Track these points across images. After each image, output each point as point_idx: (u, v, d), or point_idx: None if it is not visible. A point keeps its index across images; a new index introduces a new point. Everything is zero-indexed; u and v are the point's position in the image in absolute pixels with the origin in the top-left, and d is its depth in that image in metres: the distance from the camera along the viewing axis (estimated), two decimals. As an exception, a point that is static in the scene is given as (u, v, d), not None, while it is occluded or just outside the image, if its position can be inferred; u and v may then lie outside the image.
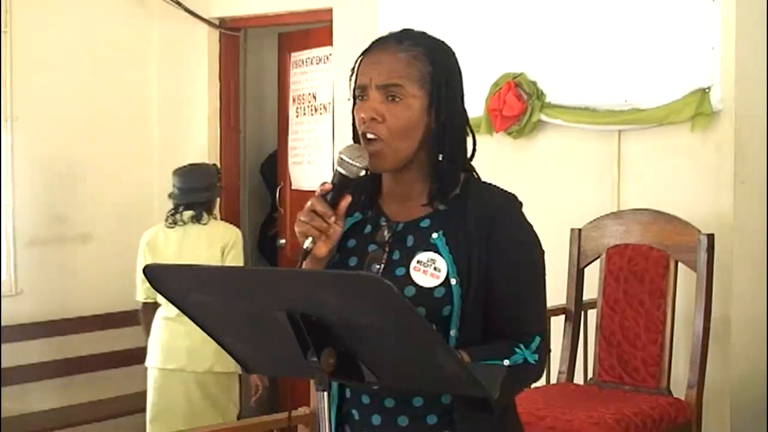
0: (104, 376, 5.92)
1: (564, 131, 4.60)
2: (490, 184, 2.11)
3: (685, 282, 4.01)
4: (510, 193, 2.08)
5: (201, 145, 6.17)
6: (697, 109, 4.16)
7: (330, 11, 5.50)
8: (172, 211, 4.82)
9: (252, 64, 6.85)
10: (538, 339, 2.00)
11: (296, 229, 2.00)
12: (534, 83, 4.61)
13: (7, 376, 5.40)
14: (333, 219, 1.99)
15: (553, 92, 4.59)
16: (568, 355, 4.24)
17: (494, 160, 4.79)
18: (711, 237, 3.87)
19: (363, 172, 2.04)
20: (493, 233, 2.00)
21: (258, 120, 6.93)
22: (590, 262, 4.23)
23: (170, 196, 4.89)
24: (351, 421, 2.09)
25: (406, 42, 2.05)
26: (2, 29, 5.51)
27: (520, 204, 2.08)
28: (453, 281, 1.97)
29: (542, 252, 2.07)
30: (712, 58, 4.16)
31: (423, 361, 1.75)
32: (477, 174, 2.13)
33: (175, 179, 4.88)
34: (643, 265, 4.03)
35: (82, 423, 5.56)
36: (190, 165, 5.01)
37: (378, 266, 2.05)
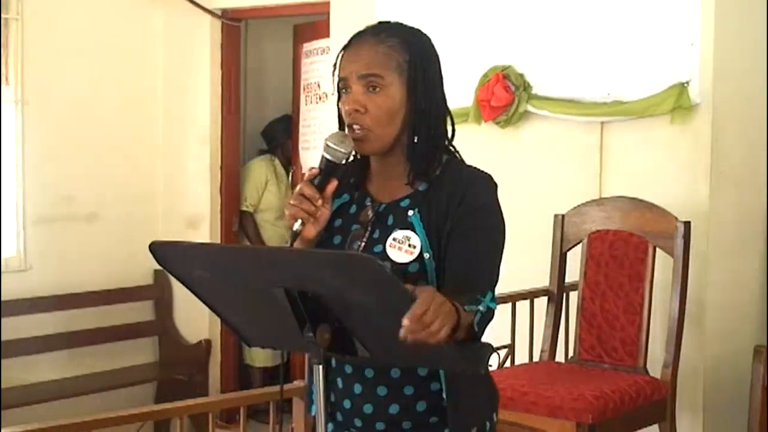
0: (109, 348, 5.97)
1: (549, 122, 4.64)
2: (470, 165, 2.16)
3: (663, 267, 4.04)
4: (485, 172, 2.13)
5: (203, 129, 6.22)
6: (677, 102, 4.20)
7: (328, 3, 5.48)
8: None
9: (252, 53, 6.88)
10: (490, 293, 2.02)
11: (286, 212, 2.08)
12: (521, 75, 4.64)
13: (16, 348, 5.45)
14: (320, 202, 2.06)
15: (540, 84, 4.63)
16: (551, 334, 4.27)
17: (482, 148, 4.74)
18: (688, 224, 3.92)
19: (349, 157, 2.10)
20: (463, 202, 2.05)
21: (257, 106, 6.94)
22: (572, 247, 4.25)
23: None
24: (336, 389, 2.15)
25: (383, 34, 2.11)
26: (14, 16, 5.55)
27: (494, 182, 2.12)
28: (426, 255, 2.03)
29: (503, 222, 2.11)
30: (692, 53, 4.21)
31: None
32: (460, 155, 2.18)
33: None
34: (623, 250, 4.06)
35: (88, 393, 5.60)
36: None
37: (359, 244, 2.12)
